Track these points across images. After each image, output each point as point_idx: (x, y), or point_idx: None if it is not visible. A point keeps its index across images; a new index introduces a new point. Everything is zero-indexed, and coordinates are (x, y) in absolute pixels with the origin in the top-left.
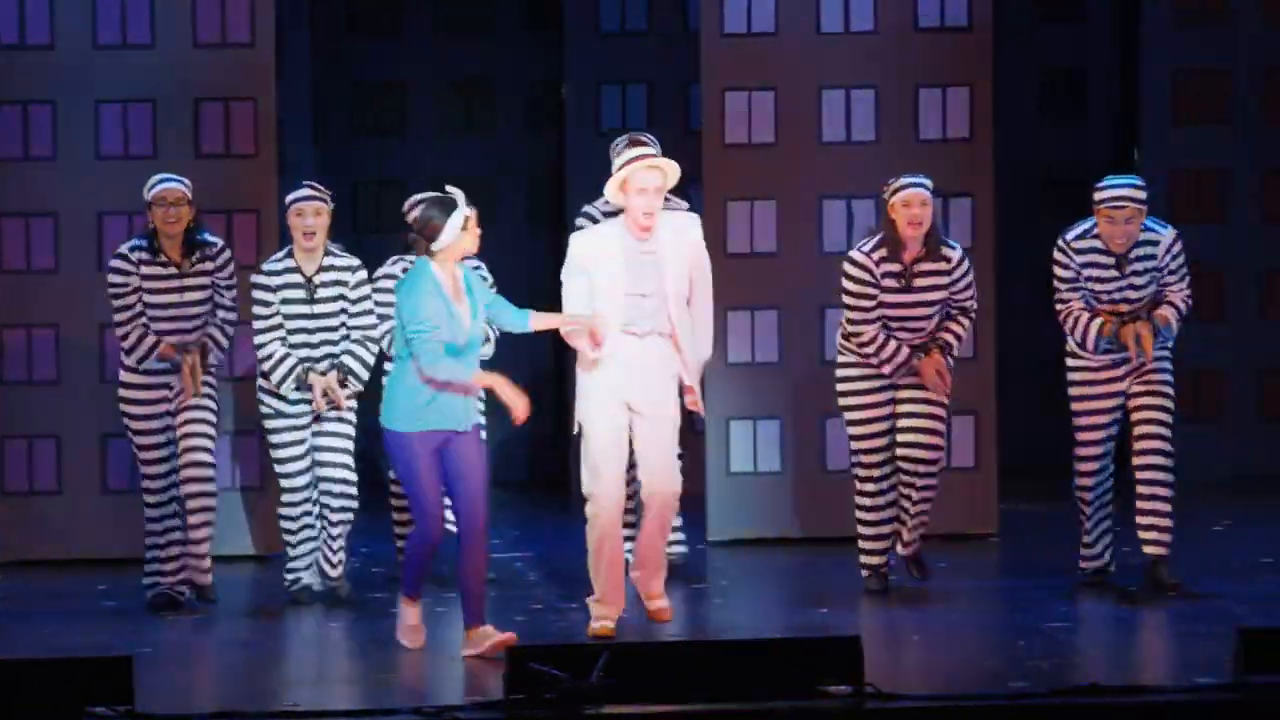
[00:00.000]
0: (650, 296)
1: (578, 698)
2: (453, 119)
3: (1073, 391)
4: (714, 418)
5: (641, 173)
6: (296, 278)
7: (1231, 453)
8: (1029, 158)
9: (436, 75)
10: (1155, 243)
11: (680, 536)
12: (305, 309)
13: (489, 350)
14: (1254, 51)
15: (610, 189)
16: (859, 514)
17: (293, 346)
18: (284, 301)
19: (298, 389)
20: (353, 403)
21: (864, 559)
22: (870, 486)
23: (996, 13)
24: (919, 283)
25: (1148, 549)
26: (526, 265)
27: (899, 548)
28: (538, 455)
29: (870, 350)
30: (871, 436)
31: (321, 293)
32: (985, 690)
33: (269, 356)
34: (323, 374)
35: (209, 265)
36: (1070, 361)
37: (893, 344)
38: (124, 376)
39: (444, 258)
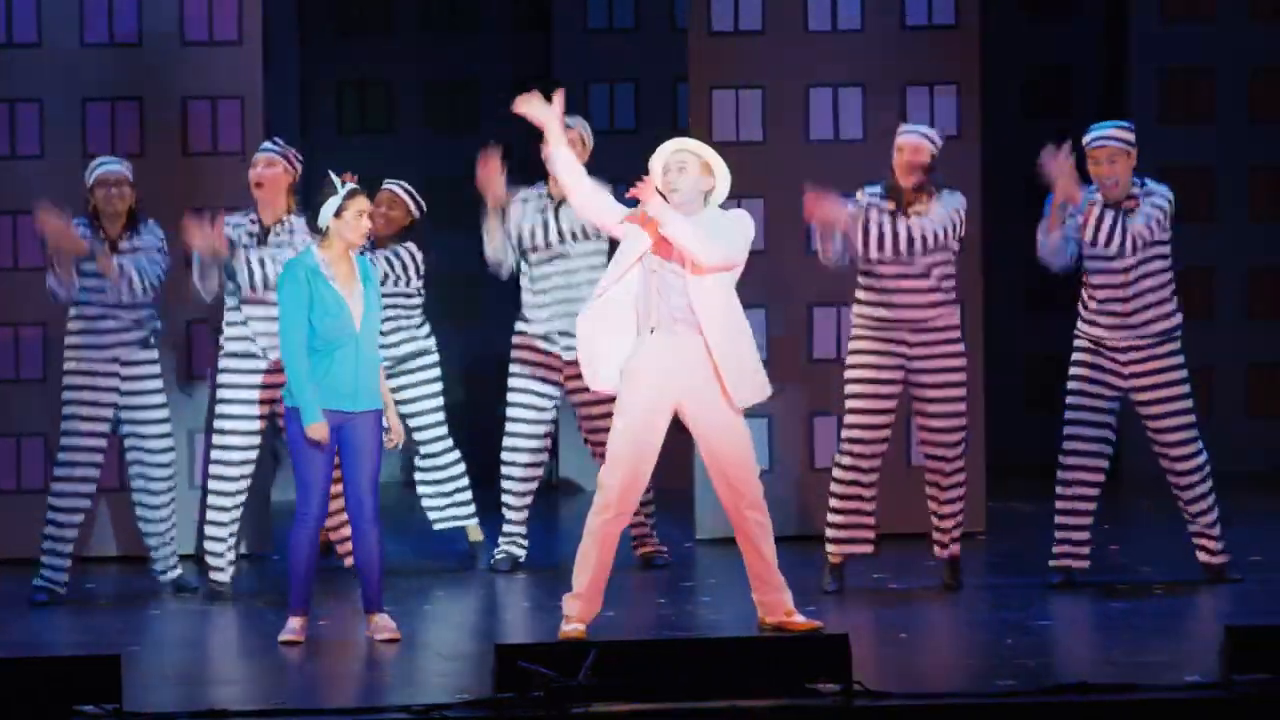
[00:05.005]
0: (678, 294)
1: (566, 696)
2: (439, 117)
3: (1069, 385)
4: None
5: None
6: (253, 228)
7: (1220, 451)
8: (1012, 156)
9: (423, 74)
10: (1149, 195)
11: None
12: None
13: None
14: (1239, 49)
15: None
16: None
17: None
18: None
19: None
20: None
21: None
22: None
23: (981, 11)
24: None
25: (1202, 556)
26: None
27: (937, 550)
28: None
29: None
30: (867, 428)
31: (275, 251)
32: (973, 689)
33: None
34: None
35: (137, 241)
36: (1074, 356)
37: (874, 216)
38: (70, 359)
39: (327, 244)
